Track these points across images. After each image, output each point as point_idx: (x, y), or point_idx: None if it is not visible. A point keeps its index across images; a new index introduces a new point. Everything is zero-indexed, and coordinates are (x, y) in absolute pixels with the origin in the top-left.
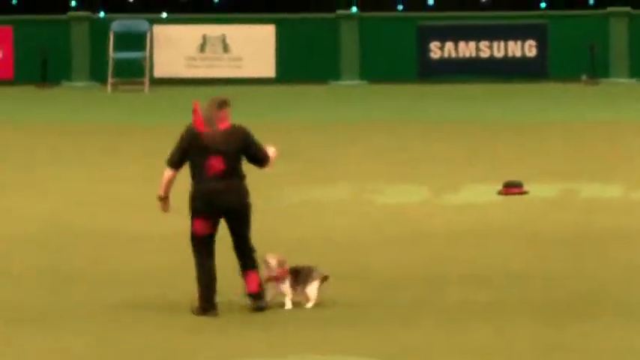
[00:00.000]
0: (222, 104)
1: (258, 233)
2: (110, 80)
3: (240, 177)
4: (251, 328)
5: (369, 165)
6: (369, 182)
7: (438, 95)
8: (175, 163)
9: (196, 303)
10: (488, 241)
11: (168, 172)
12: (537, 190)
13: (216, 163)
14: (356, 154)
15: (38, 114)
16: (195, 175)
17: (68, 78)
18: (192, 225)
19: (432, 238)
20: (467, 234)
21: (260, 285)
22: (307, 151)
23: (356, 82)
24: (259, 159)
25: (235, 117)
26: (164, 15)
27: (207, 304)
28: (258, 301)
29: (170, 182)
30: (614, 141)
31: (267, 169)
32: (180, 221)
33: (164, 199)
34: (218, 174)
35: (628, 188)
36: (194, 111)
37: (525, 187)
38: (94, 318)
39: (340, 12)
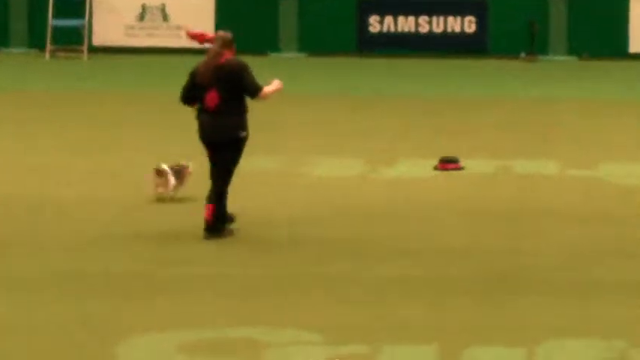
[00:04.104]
0: (229, 44)
1: (190, 201)
2: (48, 47)
3: (235, 112)
4: (187, 297)
5: (305, 137)
6: (305, 154)
7: (376, 69)
8: (185, 99)
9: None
10: (422, 216)
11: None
12: (473, 165)
13: (212, 97)
14: (292, 126)
15: None
16: (199, 107)
17: (6, 44)
18: None
19: (366, 212)
20: (402, 209)
21: (213, 216)
22: None
23: (295, 54)
24: (249, 91)
25: (174, 86)
26: None
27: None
28: (207, 231)
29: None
30: (551, 118)
31: (262, 101)
32: (109, 191)
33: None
34: (213, 107)
35: (564, 165)
36: (195, 36)
37: (461, 163)
38: (23, 287)
39: None
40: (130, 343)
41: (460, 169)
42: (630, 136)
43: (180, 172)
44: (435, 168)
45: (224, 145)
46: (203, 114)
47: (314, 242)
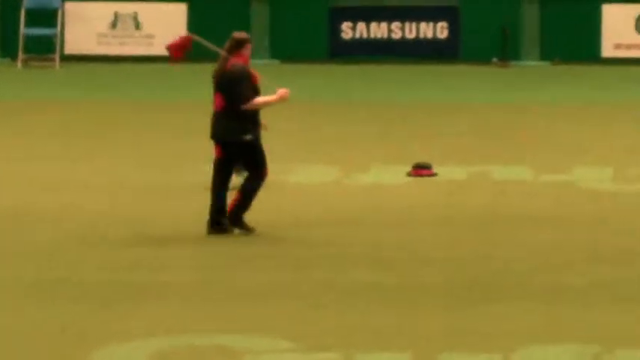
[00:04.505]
0: (234, 47)
1: (169, 209)
2: (21, 56)
3: (238, 116)
4: (163, 304)
5: (278, 145)
6: (279, 162)
7: (348, 76)
8: None
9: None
10: (396, 222)
11: None
12: (446, 172)
13: (218, 101)
14: (267, 134)
15: None
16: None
17: None
18: None
19: (340, 218)
20: (375, 215)
21: (230, 209)
22: None
23: (267, 61)
24: (232, 99)
25: (147, 94)
26: None
27: (211, 225)
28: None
29: None
30: (524, 123)
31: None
32: (83, 198)
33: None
34: (218, 109)
35: (537, 171)
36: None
37: (434, 169)
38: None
39: None
40: (103, 351)
41: (433, 175)
42: (603, 141)
43: None
44: (409, 174)
45: (234, 149)
46: (213, 114)
47: (288, 249)
